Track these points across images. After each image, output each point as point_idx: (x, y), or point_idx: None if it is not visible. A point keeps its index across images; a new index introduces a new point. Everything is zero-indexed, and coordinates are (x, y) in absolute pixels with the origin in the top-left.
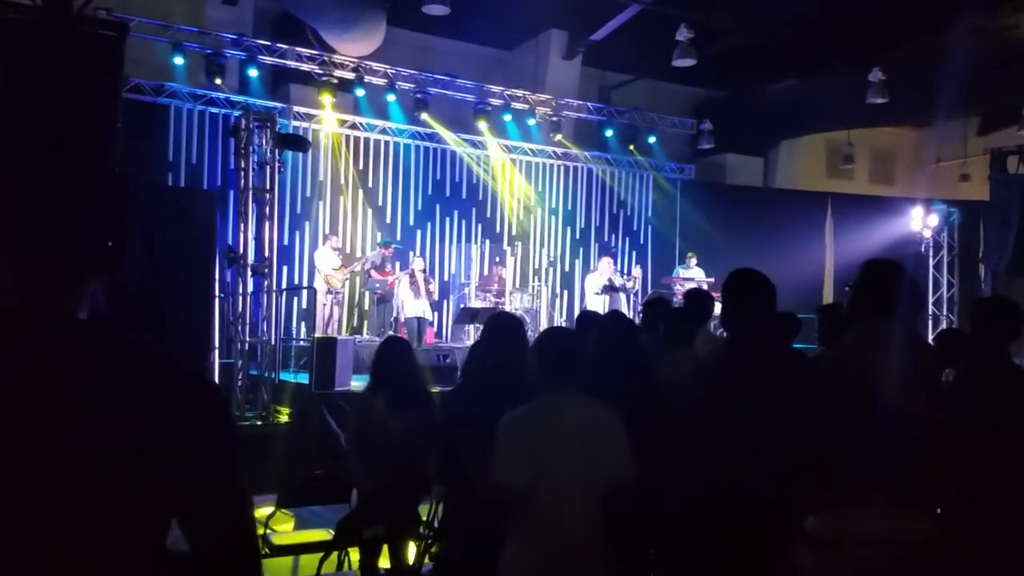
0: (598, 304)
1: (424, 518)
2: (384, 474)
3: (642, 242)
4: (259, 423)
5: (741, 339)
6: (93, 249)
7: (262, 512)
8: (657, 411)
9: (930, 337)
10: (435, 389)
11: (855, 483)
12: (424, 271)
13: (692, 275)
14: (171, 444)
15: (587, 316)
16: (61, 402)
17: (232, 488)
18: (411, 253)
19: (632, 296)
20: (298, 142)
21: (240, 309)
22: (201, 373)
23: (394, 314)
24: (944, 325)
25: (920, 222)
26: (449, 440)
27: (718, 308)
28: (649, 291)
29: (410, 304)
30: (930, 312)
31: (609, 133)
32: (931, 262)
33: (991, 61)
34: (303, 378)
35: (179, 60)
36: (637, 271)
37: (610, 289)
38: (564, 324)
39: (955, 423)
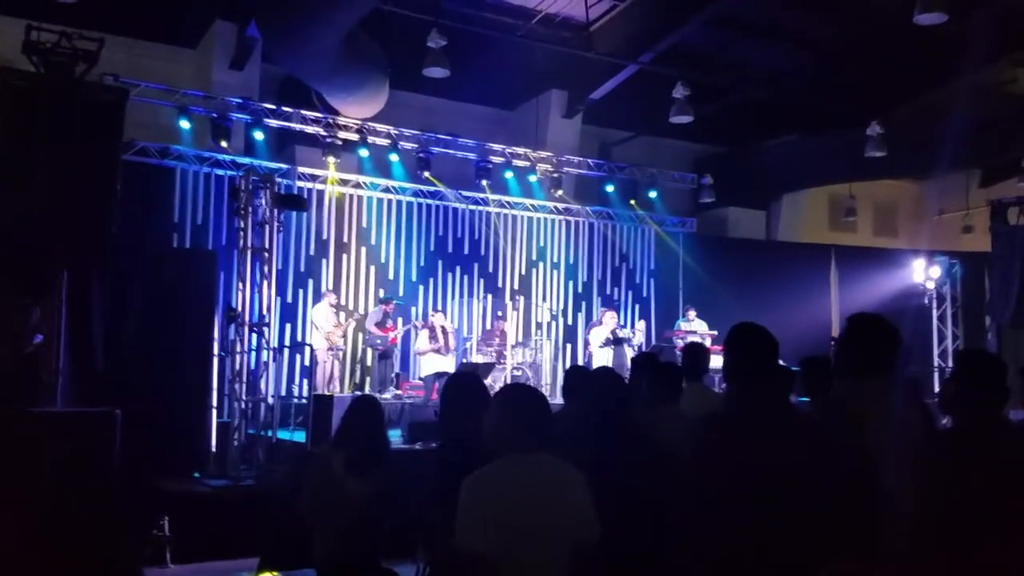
0: (603, 357)
1: None
2: (339, 537)
3: (645, 295)
4: (253, 483)
5: (742, 397)
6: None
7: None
8: (648, 467)
9: (936, 391)
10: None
11: (854, 552)
12: (443, 325)
13: (694, 328)
14: None
15: (575, 370)
16: None
17: None
18: (412, 309)
19: (635, 349)
20: (296, 202)
21: (238, 367)
22: None
23: (395, 370)
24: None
25: (923, 274)
26: (426, 503)
27: (717, 361)
28: (652, 344)
29: (430, 361)
30: (936, 364)
31: (610, 188)
32: (935, 314)
33: (990, 115)
34: (300, 437)
35: (185, 123)
36: (640, 325)
37: (613, 342)
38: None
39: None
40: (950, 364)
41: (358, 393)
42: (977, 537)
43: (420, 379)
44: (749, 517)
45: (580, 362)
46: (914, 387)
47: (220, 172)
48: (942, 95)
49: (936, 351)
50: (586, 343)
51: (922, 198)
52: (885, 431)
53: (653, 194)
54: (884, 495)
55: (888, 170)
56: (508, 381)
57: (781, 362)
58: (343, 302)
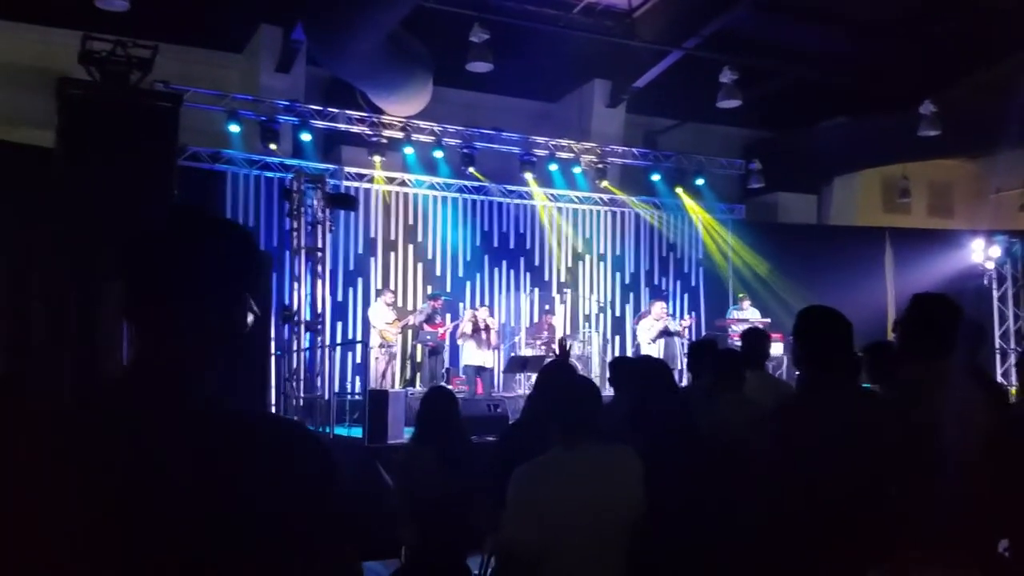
0: (652, 351)
1: (476, 572)
2: (432, 529)
3: (694, 284)
4: None
5: (816, 384)
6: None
7: None
8: (699, 458)
9: (998, 373)
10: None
11: (916, 543)
12: (487, 319)
13: (747, 316)
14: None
15: (620, 362)
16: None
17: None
18: (460, 304)
19: (684, 342)
20: (347, 201)
21: (295, 366)
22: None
23: (446, 365)
24: (1013, 359)
25: (982, 254)
26: (494, 491)
27: (775, 349)
28: (703, 334)
29: (471, 352)
30: (997, 346)
31: (656, 177)
32: (995, 294)
33: None
34: (357, 432)
35: (235, 128)
36: (687, 320)
37: (665, 334)
38: None
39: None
40: (1013, 345)
41: (437, 384)
42: None
43: (463, 371)
44: (821, 507)
45: (629, 354)
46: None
47: (270, 175)
48: (996, 72)
49: (998, 332)
50: (634, 334)
51: (978, 177)
52: (958, 412)
53: (700, 182)
54: (954, 483)
55: (942, 149)
56: None
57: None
58: (397, 300)
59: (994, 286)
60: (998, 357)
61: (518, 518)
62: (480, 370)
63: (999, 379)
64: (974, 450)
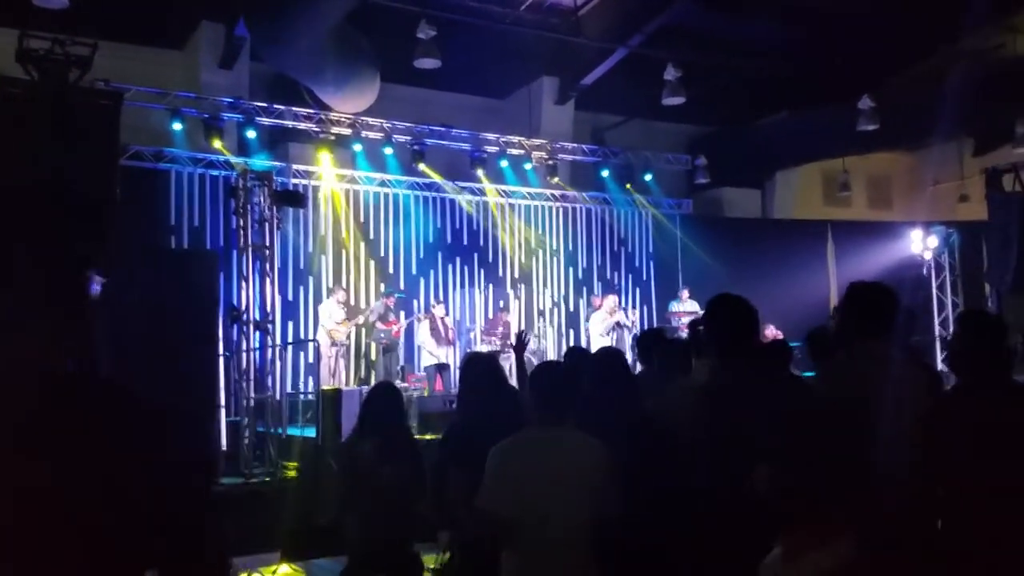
0: (604, 343)
1: (432, 565)
2: (376, 522)
3: (645, 278)
4: (267, 480)
5: (727, 368)
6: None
7: (271, 569)
8: (651, 443)
9: (938, 360)
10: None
11: (822, 515)
12: (444, 317)
13: (687, 308)
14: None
15: (576, 351)
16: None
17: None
18: (415, 301)
19: (634, 333)
20: (295, 198)
21: (244, 366)
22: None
23: (400, 363)
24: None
25: (920, 244)
26: (440, 482)
27: None
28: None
29: (430, 351)
30: (937, 334)
31: (605, 173)
32: (934, 283)
33: (981, 82)
34: (310, 432)
35: (177, 126)
36: (634, 316)
37: (616, 327)
38: None
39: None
40: (951, 332)
41: (380, 381)
42: (982, 496)
43: (423, 371)
44: (727, 475)
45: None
46: (916, 351)
47: (215, 173)
48: (932, 65)
49: (937, 320)
50: (587, 329)
51: (916, 169)
52: (888, 391)
53: (648, 177)
54: (875, 461)
55: (881, 143)
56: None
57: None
58: (349, 298)
59: (932, 275)
60: (938, 344)
61: (495, 491)
62: (441, 368)
63: (939, 366)
64: (907, 424)
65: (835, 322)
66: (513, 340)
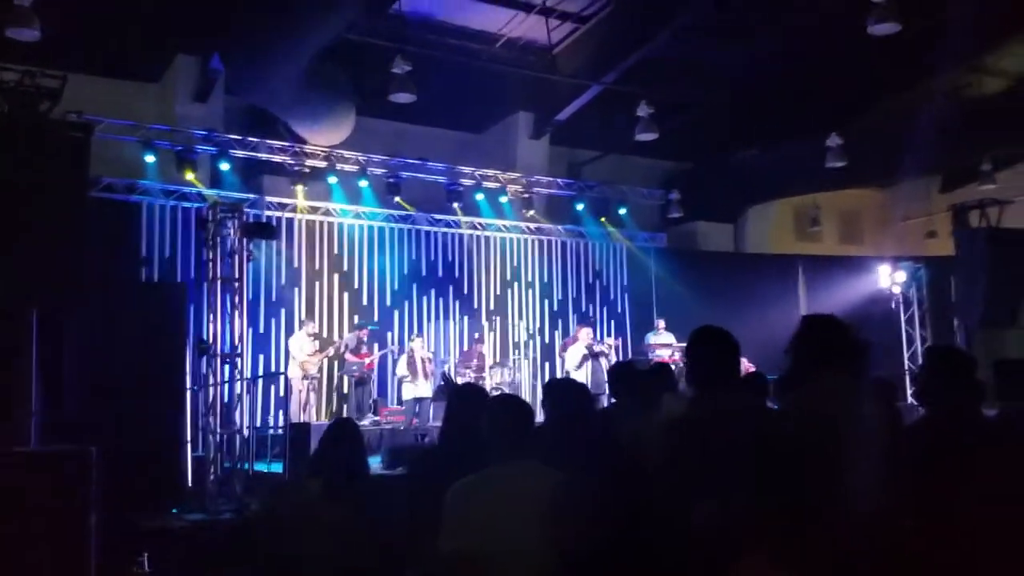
0: (580, 376)
1: None
2: (325, 564)
3: (620, 311)
4: (232, 516)
5: (704, 399)
6: None
7: None
8: (620, 476)
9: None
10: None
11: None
12: (423, 355)
13: (663, 340)
14: None
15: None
16: None
17: None
18: (389, 334)
19: (611, 360)
20: (266, 230)
21: (211, 400)
22: None
23: (373, 396)
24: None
25: (888, 279)
26: (404, 520)
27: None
28: (627, 358)
29: (409, 386)
30: (905, 367)
31: (580, 207)
32: (903, 318)
33: (948, 121)
34: (277, 467)
35: (150, 158)
36: (610, 340)
37: (590, 357)
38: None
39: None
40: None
41: (340, 417)
42: (947, 530)
43: (400, 403)
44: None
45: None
46: (882, 386)
47: (187, 205)
48: (900, 103)
49: (906, 354)
50: (563, 360)
51: (886, 205)
52: (845, 424)
53: (623, 211)
54: (837, 492)
55: (850, 179)
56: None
57: (753, 368)
58: (319, 330)
59: (901, 310)
60: (907, 378)
61: (456, 530)
62: (420, 401)
63: (908, 399)
64: (865, 457)
65: (791, 356)
66: (487, 373)
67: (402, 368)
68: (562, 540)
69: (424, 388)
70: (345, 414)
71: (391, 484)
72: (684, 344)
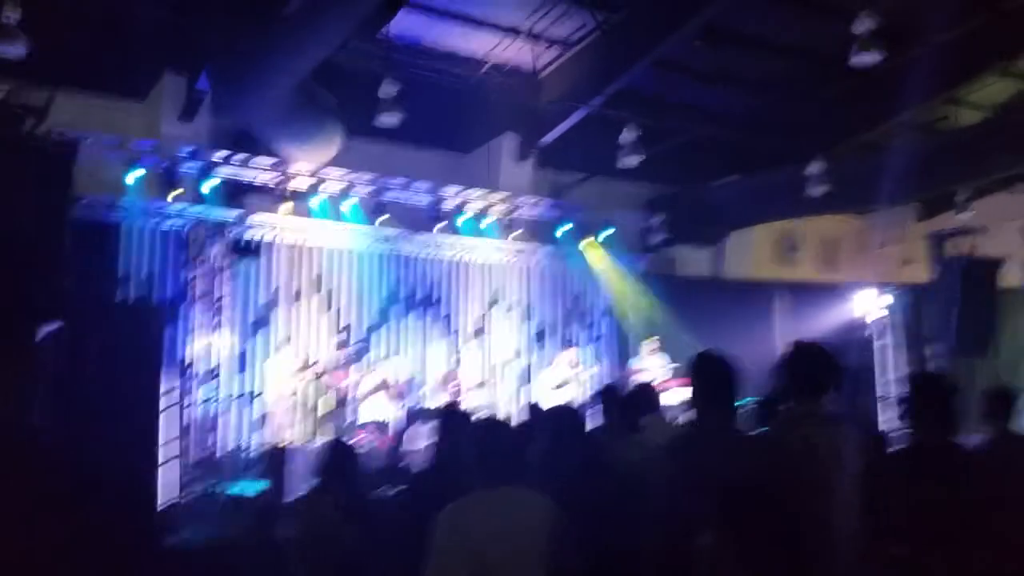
0: (556, 398)
1: None
2: None
3: (601, 334)
4: (207, 539)
5: (707, 424)
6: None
7: None
8: (607, 498)
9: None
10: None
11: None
12: (390, 377)
13: (646, 364)
14: None
15: (533, 409)
16: None
17: None
18: (366, 356)
19: (586, 388)
20: (250, 250)
21: (187, 421)
22: None
23: (351, 417)
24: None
25: (865, 306)
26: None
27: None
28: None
29: (370, 408)
30: (879, 394)
31: (564, 229)
32: (877, 345)
33: (924, 151)
34: (253, 490)
35: (134, 176)
36: (583, 368)
37: (570, 381)
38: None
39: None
40: (893, 393)
41: (335, 438)
42: (924, 555)
43: (359, 425)
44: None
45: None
46: (861, 411)
47: (170, 223)
48: (879, 133)
49: (880, 381)
50: (542, 383)
51: (864, 232)
52: (827, 450)
53: (606, 234)
54: (819, 519)
55: (829, 207)
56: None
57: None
58: (300, 352)
59: (876, 337)
60: (878, 405)
61: (445, 557)
62: (379, 424)
63: (882, 426)
64: (847, 484)
65: (774, 382)
66: (466, 395)
67: (366, 387)
68: (555, 565)
69: (386, 411)
70: (322, 436)
71: (394, 504)
72: (671, 367)
